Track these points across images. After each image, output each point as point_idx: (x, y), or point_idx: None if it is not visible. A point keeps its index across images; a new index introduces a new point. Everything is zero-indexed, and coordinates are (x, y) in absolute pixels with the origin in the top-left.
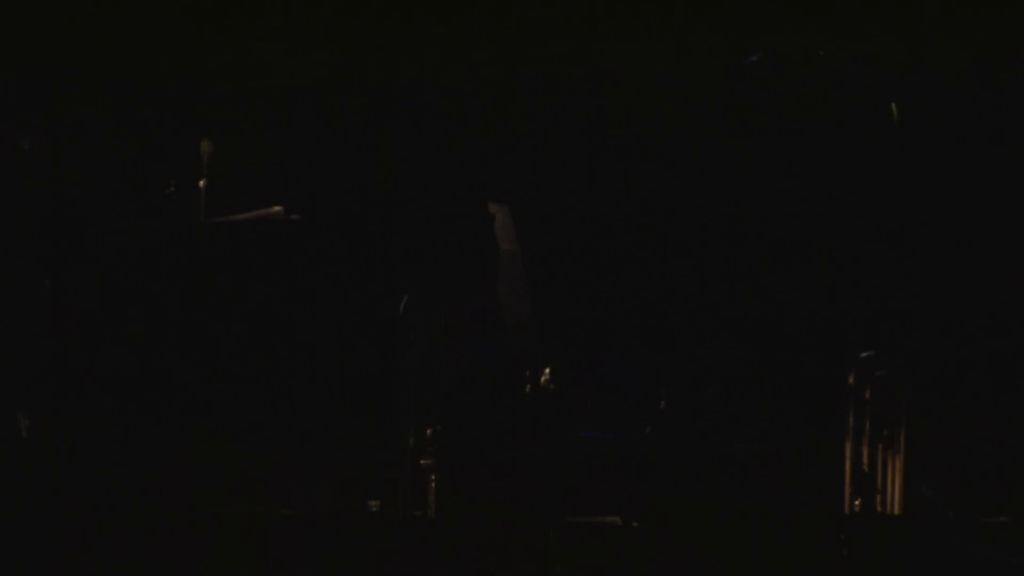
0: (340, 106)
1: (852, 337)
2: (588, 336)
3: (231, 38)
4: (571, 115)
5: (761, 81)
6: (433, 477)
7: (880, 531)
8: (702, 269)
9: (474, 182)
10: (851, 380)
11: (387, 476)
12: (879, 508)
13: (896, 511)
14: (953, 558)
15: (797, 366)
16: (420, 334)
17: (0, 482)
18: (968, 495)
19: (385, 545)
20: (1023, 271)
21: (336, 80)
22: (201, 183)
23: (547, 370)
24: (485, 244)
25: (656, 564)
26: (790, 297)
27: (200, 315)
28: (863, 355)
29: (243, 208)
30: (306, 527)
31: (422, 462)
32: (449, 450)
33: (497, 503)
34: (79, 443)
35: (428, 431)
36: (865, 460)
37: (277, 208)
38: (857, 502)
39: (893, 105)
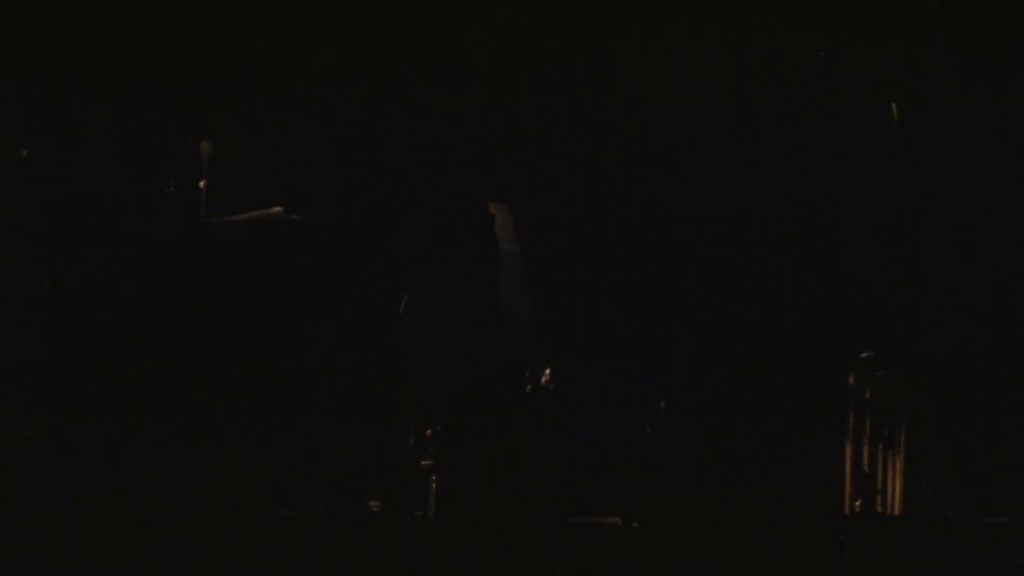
0: (340, 106)
1: (852, 337)
2: (588, 336)
3: (231, 38)
4: (571, 115)
5: (762, 81)
6: (434, 477)
7: (880, 531)
8: (702, 269)
9: (474, 182)
10: (851, 380)
11: (388, 476)
12: (879, 508)
13: (896, 511)
14: (953, 558)
15: (797, 366)
16: (420, 334)
17: (0, 482)
18: (968, 495)
19: (385, 545)
20: (1023, 271)
21: (336, 80)
22: (201, 183)
23: (547, 370)
24: (485, 244)
25: (656, 564)
26: (790, 297)
27: (200, 315)
28: (863, 355)
29: (243, 208)
30: (306, 527)
31: (423, 462)
32: (449, 450)
33: (497, 503)
34: (79, 443)
35: (428, 431)
36: (865, 460)
37: (277, 208)
38: (858, 502)
39: (893, 105)
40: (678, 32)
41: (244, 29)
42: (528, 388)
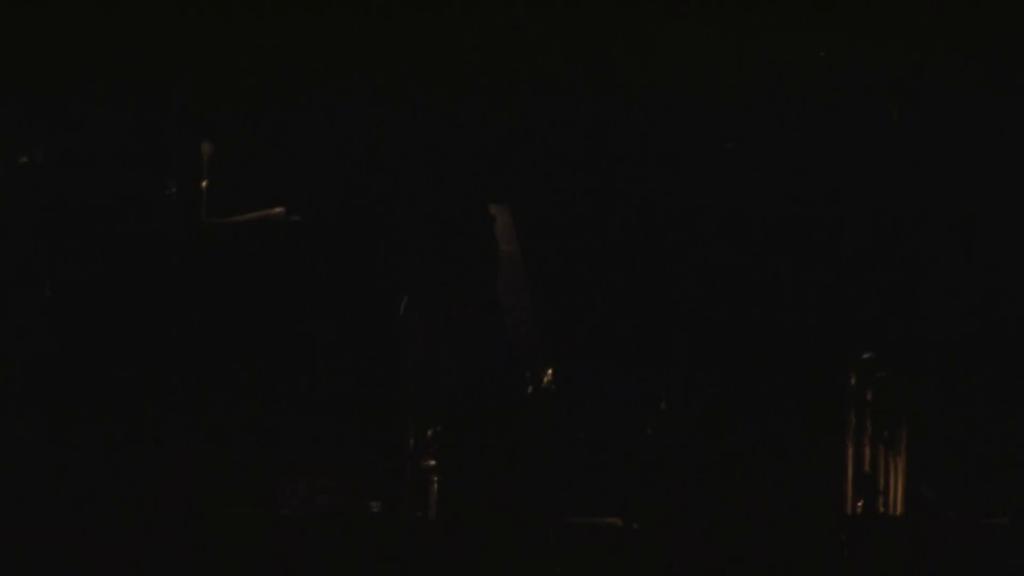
0: (340, 106)
1: (852, 338)
2: (589, 337)
3: (231, 38)
4: (571, 115)
5: (762, 81)
6: (434, 478)
7: (882, 532)
8: (703, 269)
9: (474, 182)
10: (852, 381)
11: (388, 477)
12: (881, 509)
13: (898, 512)
14: (953, 558)
15: (797, 367)
16: (420, 334)
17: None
18: (968, 495)
19: (385, 545)
20: (1023, 271)
21: (336, 80)
22: (202, 184)
23: (548, 371)
24: (485, 245)
25: (656, 564)
26: (790, 297)
27: (201, 315)
28: (864, 356)
29: (243, 208)
30: (306, 527)
31: (423, 463)
32: (450, 451)
33: (497, 503)
34: (80, 444)
35: (429, 431)
36: (867, 461)
37: (278, 209)
38: (859, 503)
39: (893, 105)
40: (678, 32)
41: (244, 29)
42: (529, 389)
